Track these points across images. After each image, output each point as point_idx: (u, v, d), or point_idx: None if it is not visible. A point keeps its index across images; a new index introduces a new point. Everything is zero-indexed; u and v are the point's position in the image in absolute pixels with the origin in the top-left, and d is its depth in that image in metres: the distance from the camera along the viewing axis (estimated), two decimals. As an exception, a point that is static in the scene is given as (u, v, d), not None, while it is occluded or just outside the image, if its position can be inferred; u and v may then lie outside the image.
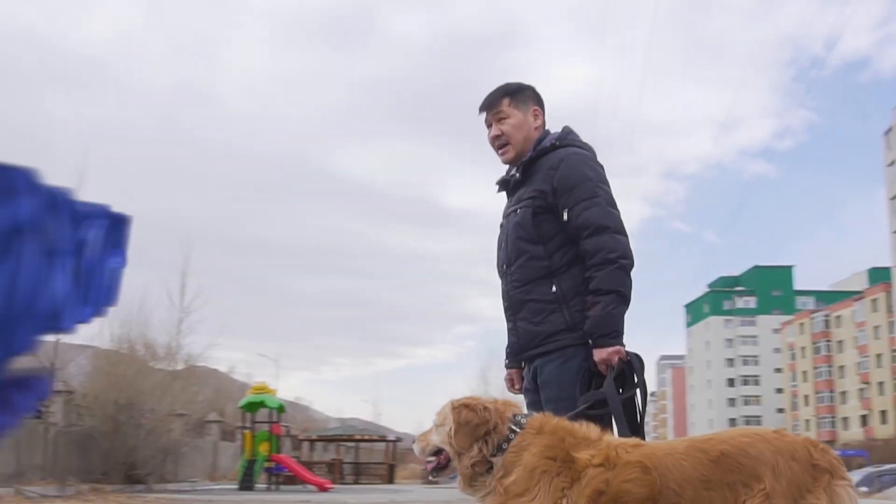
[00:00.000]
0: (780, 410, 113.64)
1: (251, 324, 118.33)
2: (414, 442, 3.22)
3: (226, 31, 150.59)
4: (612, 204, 3.66)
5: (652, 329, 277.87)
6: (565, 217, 3.61)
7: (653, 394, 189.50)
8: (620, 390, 3.44)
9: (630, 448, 2.79)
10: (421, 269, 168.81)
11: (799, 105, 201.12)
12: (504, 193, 4.03)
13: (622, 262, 3.52)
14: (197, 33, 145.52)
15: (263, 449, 27.08)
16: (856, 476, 31.94)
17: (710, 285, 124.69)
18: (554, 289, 3.61)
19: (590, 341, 3.49)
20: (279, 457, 28.08)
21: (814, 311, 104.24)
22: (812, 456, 2.63)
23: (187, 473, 28.80)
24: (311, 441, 44.20)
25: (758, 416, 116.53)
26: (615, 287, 3.49)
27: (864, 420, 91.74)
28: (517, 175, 3.80)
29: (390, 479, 42.42)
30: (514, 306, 3.73)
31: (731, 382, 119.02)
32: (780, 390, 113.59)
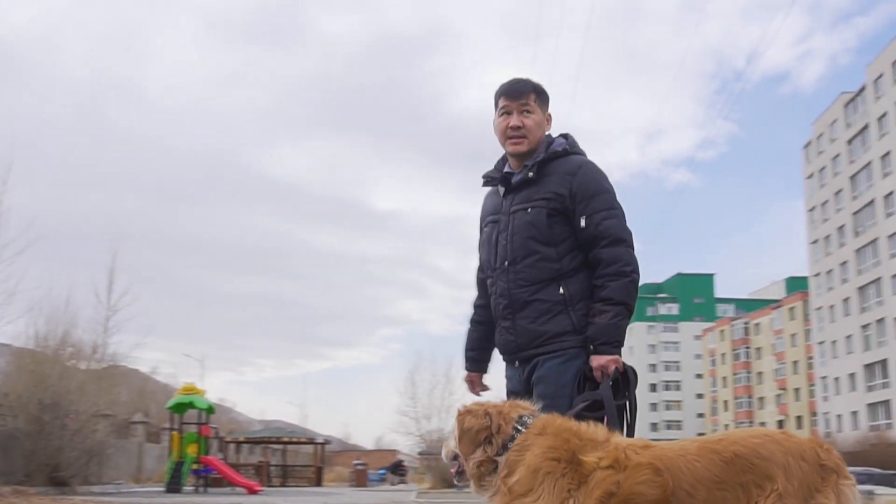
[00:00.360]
0: (701, 415, 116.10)
1: (172, 323, 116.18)
2: (442, 447, 3.24)
3: (153, 25, 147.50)
4: (626, 219, 3.73)
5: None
6: (583, 224, 3.63)
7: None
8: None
9: (639, 449, 2.78)
10: (347, 271, 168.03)
11: (721, 117, 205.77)
12: (489, 191, 4.04)
13: (634, 276, 3.61)
14: (122, 25, 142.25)
15: (191, 451, 26.54)
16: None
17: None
18: (561, 291, 3.63)
19: (592, 346, 3.53)
20: (208, 459, 27.56)
21: (734, 319, 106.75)
22: (820, 456, 2.67)
23: (112, 475, 28.06)
24: (238, 443, 43.59)
25: (678, 421, 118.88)
26: (625, 299, 3.56)
27: (781, 425, 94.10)
28: (530, 174, 3.75)
29: (318, 482, 42.11)
30: (515, 305, 3.69)
31: (653, 388, 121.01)
32: (700, 396, 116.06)
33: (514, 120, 3.81)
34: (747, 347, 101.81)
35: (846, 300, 75.31)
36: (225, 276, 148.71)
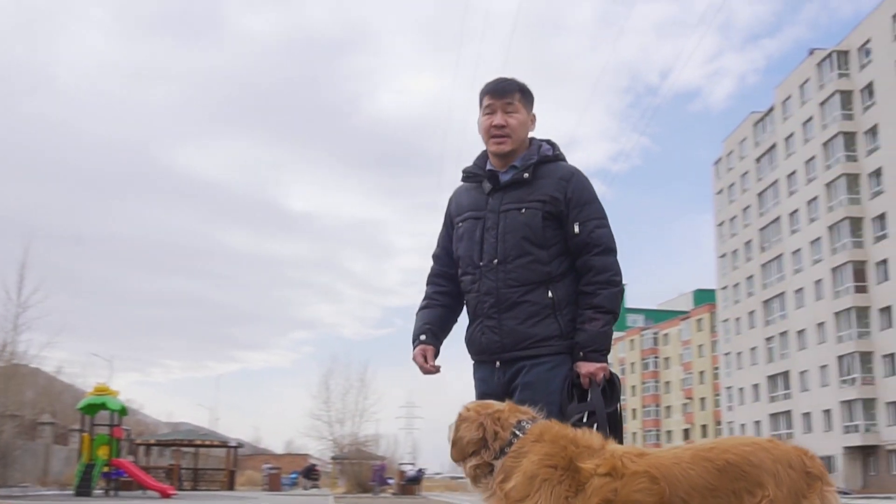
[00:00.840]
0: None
1: (78, 322, 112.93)
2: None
3: (64, 12, 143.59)
4: None
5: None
6: (576, 230, 3.65)
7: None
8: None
9: (635, 457, 2.81)
10: (260, 272, 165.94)
11: (634, 130, 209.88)
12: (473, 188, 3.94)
13: (622, 286, 3.66)
14: (32, 12, 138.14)
15: (102, 453, 25.92)
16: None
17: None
18: (550, 294, 3.63)
19: (581, 353, 3.54)
20: (119, 461, 26.97)
21: (643, 329, 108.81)
22: (805, 464, 2.76)
23: (18, 478, 27.31)
24: (149, 445, 42.72)
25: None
26: (614, 308, 3.60)
27: (687, 434, 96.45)
28: (525, 175, 3.73)
29: (230, 486, 41.55)
30: (502, 304, 3.65)
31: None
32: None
33: (498, 119, 3.80)
34: (656, 357, 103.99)
35: (751, 313, 77.66)
36: (135, 273, 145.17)
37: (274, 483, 45.60)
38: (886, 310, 58.58)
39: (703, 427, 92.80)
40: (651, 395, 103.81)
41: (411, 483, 43.72)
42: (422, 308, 4.04)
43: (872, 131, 60.82)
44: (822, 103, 65.34)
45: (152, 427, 77.37)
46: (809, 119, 67.45)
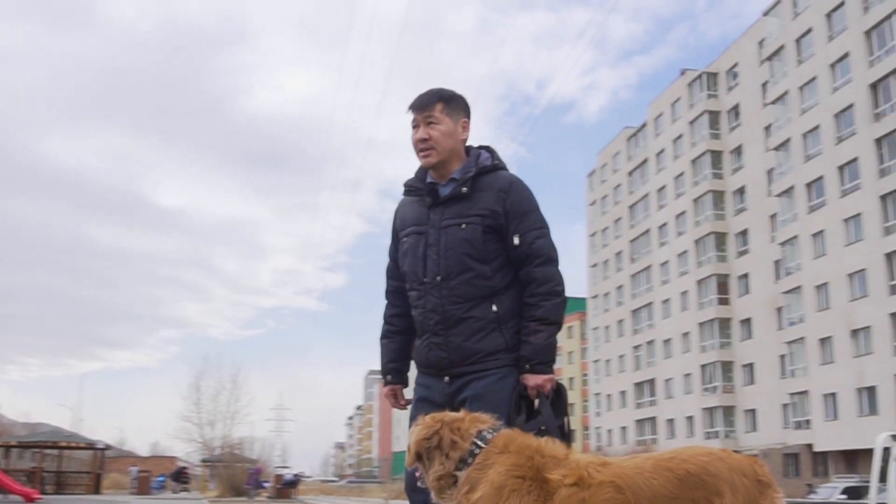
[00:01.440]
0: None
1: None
2: (406, 453, 3.27)
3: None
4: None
5: (363, 343, 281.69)
6: (516, 241, 3.64)
7: (359, 407, 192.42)
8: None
9: (599, 467, 2.86)
10: (127, 268, 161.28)
11: (509, 139, 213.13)
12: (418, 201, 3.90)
13: (564, 296, 3.67)
14: None
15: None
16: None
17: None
18: (495, 308, 3.63)
19: (527, 366, 3.55)
20: (-19, 465, 25.87)
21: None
22: (757, 472, 2.88)
23: None
24: (8, 447, 40.92)
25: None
26: (558, 319, 3.62)
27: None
28: (463, 189, 3.72)
29: (96, 489, 40.30)
30: (448, 321, 3.64)
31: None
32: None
33: (421, 133, 3.79)
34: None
35: (620, 322, 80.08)
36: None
37: (143, 486, 44.39)
38: (747, 321, 61.46)
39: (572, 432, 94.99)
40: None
41: (288, 487, 43.32)
42: (383, 336, 4.03)
43: (738, 151, 63.70)
44: (692, 122, 68.06)
45: (8, 428, 74.21)
46: (680, 136, 70.14)
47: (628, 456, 3.06)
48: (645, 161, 76.84)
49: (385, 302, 4.05)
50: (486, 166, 3.77)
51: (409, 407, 3.83)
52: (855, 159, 48.57)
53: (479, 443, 2.97)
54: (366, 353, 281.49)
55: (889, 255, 45.43)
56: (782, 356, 55.80)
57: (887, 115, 46.15)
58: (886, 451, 12.73)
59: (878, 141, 46.73)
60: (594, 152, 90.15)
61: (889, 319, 45.02)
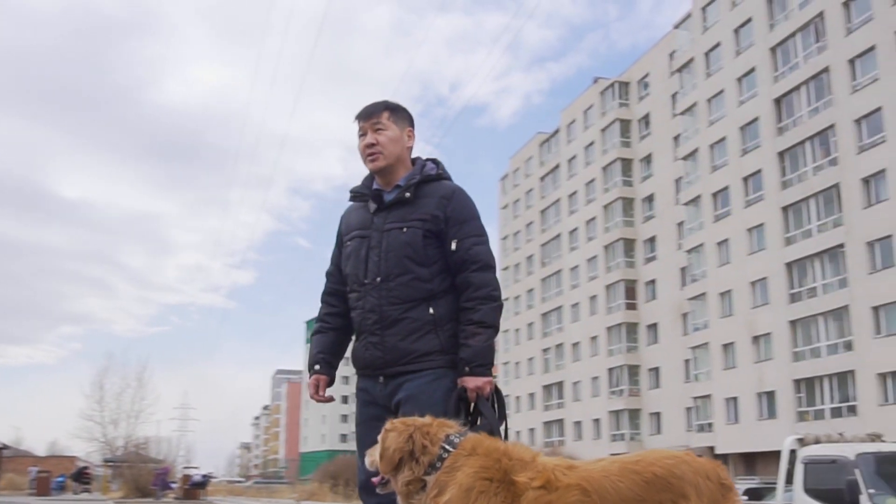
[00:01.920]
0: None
1: None
2: (366, 456, 3.30)
3: None
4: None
5: (271, 342, 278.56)
6: (454, 247, 3.75)
7: (266, 407, 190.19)
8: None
9: (566, 470, 2.91)
10: (24, 261, 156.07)
11: (423, 140, 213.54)
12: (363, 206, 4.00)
13: (501, 301, 3.78)
14: None
15: None
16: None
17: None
18: (431, 311, 3.72)
19: (467, 368, 3.61)
20: None
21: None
22: (720, 476, 2.99)
23: None
24: None
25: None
26: (495, 323, 3.71)
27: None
28: (407, 195, 3.84)
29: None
30: (385, 321, 3.73)
31: (345, 399, 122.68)
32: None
33: (369, 138, 3.90)
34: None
35: (531, 325, 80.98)
36: None
37: (43, 487, 43.13)
38: (653, 326, 62.89)
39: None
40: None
41: (196, 487, 42.60)
42: (315, 332, 4.10)
43: (647, 159, 65.15)
44: (604, 129, 69.30)
45: None
46: (591, 143, 71.33)
47: (594, 459, 3.10)
48: (557, 167, 77.87)
49: (321, 304, 4.11)
50: (430, 175, 3.92)
51: (356, 412, 3.89)
52: (759, 171, 50.14)
53: (448, 447, 2.99)
54: (273, 352, 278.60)
55: (789, 265, 47.03)
56: (687, 361, 57.28)
57: (790, 130, 47.78)
58: (793, 453, 13.32)
59: (781, 154, 48.34)
60: (506, 156, 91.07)
61: (788, 326, 46.62)
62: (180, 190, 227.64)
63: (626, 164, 66.82)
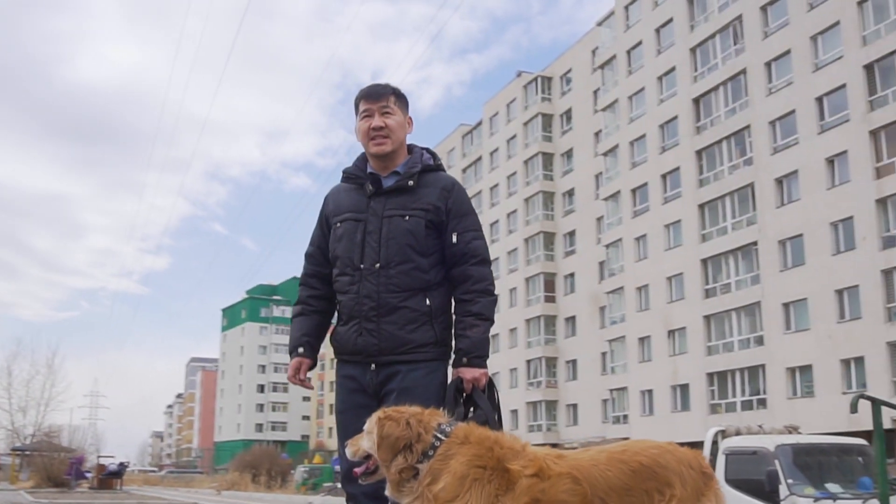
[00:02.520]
0: (306, 418, 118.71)
1: None
2: (346, 446, 3.25)
3: None
4: None
5: (185, 329, 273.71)
6: (454, 240, 3.76)
7: (179, 395, 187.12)
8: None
9: (556, 459, 2.99)
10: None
11: (343, 127, 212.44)
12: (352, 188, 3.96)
13: (496, 296, 3.84)
14: None
15: None
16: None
17: (249, 292, 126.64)
18: (428, 302, 3.71)
19: (464, 359, 3.64)
20: None
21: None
22: (701, 465, 3.13)
23: None
24: None
25: (284, 422, 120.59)
26: (491, 316, 3.75)
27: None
28: (410, 183, 3.82)
29: None
30: (383, 308, 3.68)
31: (261, 388, 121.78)
32: (307, 398, 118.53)
33: (377, 121, 3.86)
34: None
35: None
36: None
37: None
38: (571, 319, 63.81)
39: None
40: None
41: (112, 477, 41.76)
42: (297, 315, 4.02)
43: (568, 154, 65.97)
44: (526, 123, 69.89)
45: None
46: (514, 137, 71.88)
47: (581, 449, 3.19)
48: (479, 159, 78.28)
49: (302, 285, 4.05)
50: (430, 165, 3.91)
51: (337, 399, 3.84)
52: (677, 168, 51.26)
53: (440, 435, 3.04)
54: (187, 339, 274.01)
55: (704, 261, 48.25)
56: (604, 353, 58.28)
57: (707, 129, 48.96)
58: (715, 444, 13.77)
59: (699, 153, 49.51)
60: (425, 143, 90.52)
61: (703, 321, 47.86)
62: (92, 171, 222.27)
63: (548, 158, 67.53)
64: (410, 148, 4.01)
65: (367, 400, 3.70)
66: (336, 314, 3.97)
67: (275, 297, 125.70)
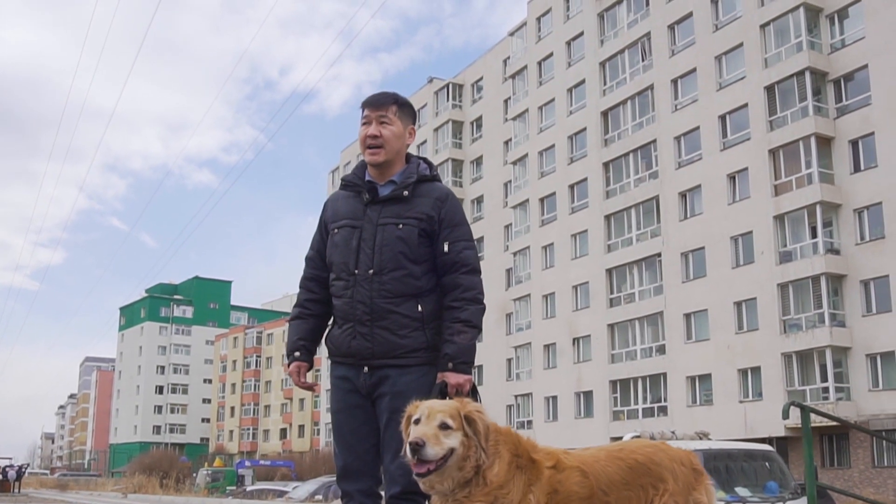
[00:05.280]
0: (206, 420, 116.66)
1: None
2: (422, 445, 3.06)
3: None
4: None
5: (79, 327, 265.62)
6: (445, 249, 3.87)
7: (73, 396, 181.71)
8: None
9: (567, 455, 3.24)
10: None
11: (248, 122, 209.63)
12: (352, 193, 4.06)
13: (484, 305, 3.96)
14: None
15: None
16: (311, 486, 34.54)
17: (149, 290, 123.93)
18: (420, 308, 3.83)
19: (450, 364, 3.74)
20: None
21: (248, 327, 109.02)
22: (692, 462, 3.43)
23: None
24: None
25: (183, 425, 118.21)
26: (479, 324, 3.88)
27: (284, 433, 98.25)
28: (405, 193, 3.93)
29: None
30: (376, 313, 3.82)
31: (160, 389, 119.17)
32: (207, 400, 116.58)
33: (373, 129, 3.95)
34: (258, 356, 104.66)
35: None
36: None
37: None
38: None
39: (301, 427, 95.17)
40: (251, 394, 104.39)
41: (7, 480, 40.48)
42: (295, 318, 4.13)
43: (478, 161, 66.59)
44: (437, 129, 70.25)
45: None
46: (424, 142, 72.01)
47: (581, 448, 3.43)
48: (389, 163, 78.22)
49: (301, 289, 4.16)
50: (425, 175, 4.02)
51: (333, 399, 3.93)
52: (584, 179, 52.38)
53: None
54: (82, 337, 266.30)
55: (609, 271, 49.43)
56: (509, 360, 58.98)
57: (615, 142, 50.21)
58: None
59: (606, 165, 50.73)
60: (333, 145, 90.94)
61: (606, 330, 49.00)
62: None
63: (457, 164, 68.04)
64: (408, 157, 4.12)
65: (361, 400, 3.85)
66: (332, 318, 4.07)
67: (175, 297, 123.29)
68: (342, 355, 3.92)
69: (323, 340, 4.10)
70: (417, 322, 3.83)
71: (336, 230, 4.01)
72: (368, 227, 3.91)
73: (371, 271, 3.84)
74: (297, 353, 4.03)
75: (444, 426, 3.11)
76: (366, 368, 3.84)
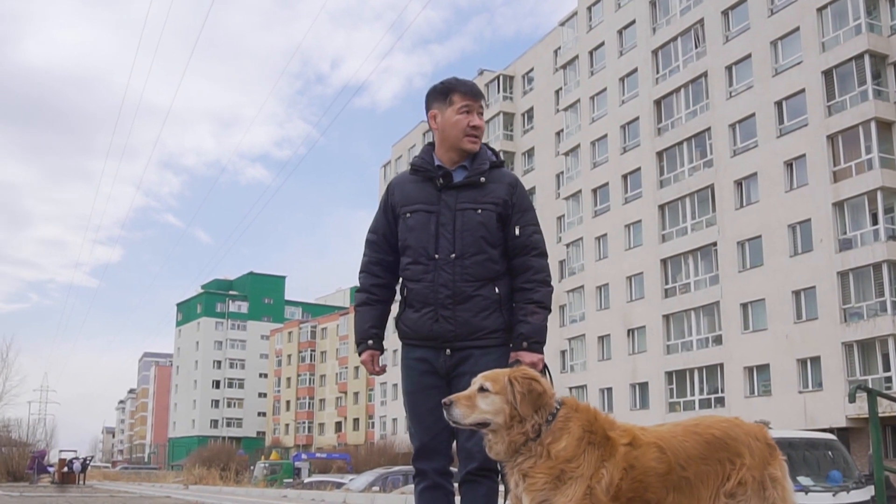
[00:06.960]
0: (262, 414, 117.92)
1: None
2: (449, 405, 3.26)
3: None
4: None
5: (137, 324, 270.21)
6: (517, 232, 3.98)
7: (132, 391, 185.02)
8: None
9: (644, 431, 3.32)
10: None
11: (300, 117, 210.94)
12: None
13: (552, 286, 4.10)
14: None
15: None
16: (368, 477, 34.70)
17: (205, 286, 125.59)
18: (497, 291, 3.95)
19: (525, 343, 3.86)
20: None
21: (302, 322, 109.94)
22: (766, 437, 3.49)
23: None
24: None
25: (240, 419, 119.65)
26: (549, 305, 4.00)
27: (339, 426, 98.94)
28: (482, 179, 4.02)
29: None
30: (458, 297, 3.91)
31: (216, 384, 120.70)
32: (263, 394, 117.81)
33: (477, 120, 4.06)
34: (312, 350, 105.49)
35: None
36: None
37: None
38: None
39: (356, 420, 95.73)
40: (306, 388, 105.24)
41: (73, 472, 41.32)
42: (363, 303, 4.18)
43: (529, 153, 66.39)
44: (488, 122, 70.15)
45: None
46: (475, 135, 72.07)
47: (657, 424, 3.49)
48: (440, 157, 78.23)
49: (364, 273, 4.21)
50: (495, 161, 4.13)
51: (407, 380, 4.02)
52: (638, 169, 51.89)
53: (557, 403, 3.30)
54: (140, 333, 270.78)
55: (664, 261, 48.92)
56: (563, 352, 58.68)
57: (668, 131, 49.63)
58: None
59: (659, 154, 50.18)
60: (385, 138, 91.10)
61: (662, 320, 48.52)
62: (39, 157, 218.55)
63: (509, 156, 67.81)
64: None
65: (438, 381, 3.95)
66: (402, 301, 4.11)
67: (231, 292, 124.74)
68: (422, 338, 3.99)
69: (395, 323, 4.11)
70: (496, 304, 3.93)
71: (409, 214, 4.05)
72: (446, 212, 3.98)
73: (453, 255, 3.93)
74: (370, 342, 4.11)
75: (482, 389, 3.25)
76: (448, 351, 3.94)
